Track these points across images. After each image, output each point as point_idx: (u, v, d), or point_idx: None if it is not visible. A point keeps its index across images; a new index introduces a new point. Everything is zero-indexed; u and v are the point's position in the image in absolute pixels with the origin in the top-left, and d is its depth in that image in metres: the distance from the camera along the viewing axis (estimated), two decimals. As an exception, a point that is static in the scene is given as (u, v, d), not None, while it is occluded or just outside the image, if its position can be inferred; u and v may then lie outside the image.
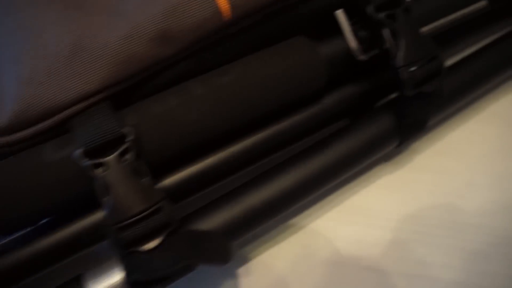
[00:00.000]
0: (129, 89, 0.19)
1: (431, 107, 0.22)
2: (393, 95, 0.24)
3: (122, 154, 0.18)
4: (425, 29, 0.23)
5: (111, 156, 0.18)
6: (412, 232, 0.24)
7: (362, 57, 0.21)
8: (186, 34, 0.19)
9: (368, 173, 0.26)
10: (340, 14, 0.21)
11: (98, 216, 0.20)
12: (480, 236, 0.24)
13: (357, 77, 0.23)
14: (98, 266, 0.19)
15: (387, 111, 0.23)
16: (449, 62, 0.26)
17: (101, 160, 0.17)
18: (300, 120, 0.23)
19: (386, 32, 0.20)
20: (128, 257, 0.18)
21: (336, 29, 0.21)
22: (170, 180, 0.21)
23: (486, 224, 0.25)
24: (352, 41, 0.21)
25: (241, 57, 0.21)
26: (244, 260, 0.24)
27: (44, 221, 0.20)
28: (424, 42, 0.21)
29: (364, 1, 0.21)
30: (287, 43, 0.22)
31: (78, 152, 0.17)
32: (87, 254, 0.20)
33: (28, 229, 0.20)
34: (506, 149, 0.28)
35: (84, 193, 0.18)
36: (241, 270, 0.24)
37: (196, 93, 0.20)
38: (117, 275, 0.19)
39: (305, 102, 0.22)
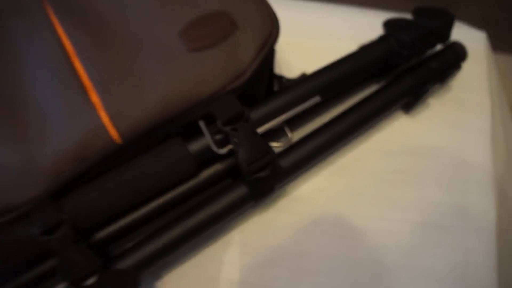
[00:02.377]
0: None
1: (269, 183, 0.32)
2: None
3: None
4: (269, 124, 0.33)
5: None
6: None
7: (221, 151, 0.31)
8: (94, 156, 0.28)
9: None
10: (201, 123, 0.31)
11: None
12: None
13: (222, 160, 0.33)
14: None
15: (242, 184, 0.33)
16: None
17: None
18: (184, 190, 0.32)
19: (232, 138, 0.30)
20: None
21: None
22: (113, 227, 0.30)
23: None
24: (210, 141, 0.31)
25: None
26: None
27: None
28: (259, 143, 0.30)
29: (217, 116, 0.30)
30: (167, 143, 0.31)
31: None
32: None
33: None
34: (353, 193, 0.38)
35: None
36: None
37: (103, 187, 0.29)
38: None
39: (184, 178, 0.32)
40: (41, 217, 0.27)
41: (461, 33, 0.43)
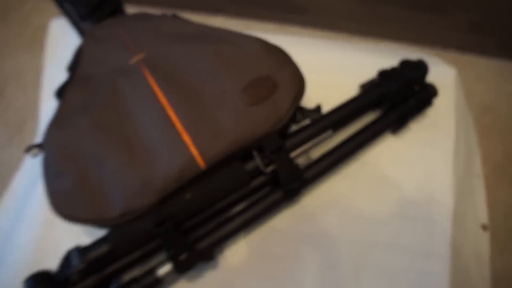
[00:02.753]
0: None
1: (298, 190, 0.48)
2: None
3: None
4: (298, 151, 0.48)
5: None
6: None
7: (267, 171, 0.46)
8: (187, 178, 0.43)
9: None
10: (254, 152, 0.46)
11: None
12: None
13: (265, 174, 0.48)
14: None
15: (279, 191, 0.48)
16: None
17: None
18: (241, 194, 0.48)
19: (275, 162, 0.45)
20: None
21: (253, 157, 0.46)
22: (195, 220, 0.46)
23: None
24: (260, 164, 0.46)
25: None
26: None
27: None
28: (292, 164, 0.46)
29: (265, 148, 0.45)
30: (232, 166, 0.46)
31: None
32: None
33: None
34: (353, 193, 0.54)
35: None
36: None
37: (191, 196, 0.45)
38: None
39: (242, 188, 0.47)
40: (154, 217, 0.43)
41: (437, 69, 0.58)
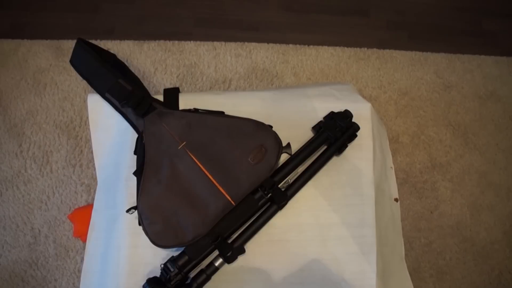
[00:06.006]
0: None
1: (284, 203, 0.82)
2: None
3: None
4: (282, 182, 0.82)
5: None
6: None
7: (267, 197, 0.80)
8: (225, 213, 0.77)
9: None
10: (260, 189, 0.80)
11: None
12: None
13: (265, 197, 0.82)
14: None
15: (274, 205, 0.83)
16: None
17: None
18: (254, 211, 0.82)
19: (271, 192, 0.79)
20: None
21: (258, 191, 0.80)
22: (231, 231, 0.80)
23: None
24: (262, 194, 0.80)
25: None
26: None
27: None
28: (280, 191, 0.80)
29: (265, 186, 0.79)
30: (246, 199, 0.79)
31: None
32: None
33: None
34: (316, 195, 0.89)
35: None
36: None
37: (228, 221, 0.78)
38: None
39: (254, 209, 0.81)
40: (210, 236, 0.77)
41: (357, 105, 0.92)
